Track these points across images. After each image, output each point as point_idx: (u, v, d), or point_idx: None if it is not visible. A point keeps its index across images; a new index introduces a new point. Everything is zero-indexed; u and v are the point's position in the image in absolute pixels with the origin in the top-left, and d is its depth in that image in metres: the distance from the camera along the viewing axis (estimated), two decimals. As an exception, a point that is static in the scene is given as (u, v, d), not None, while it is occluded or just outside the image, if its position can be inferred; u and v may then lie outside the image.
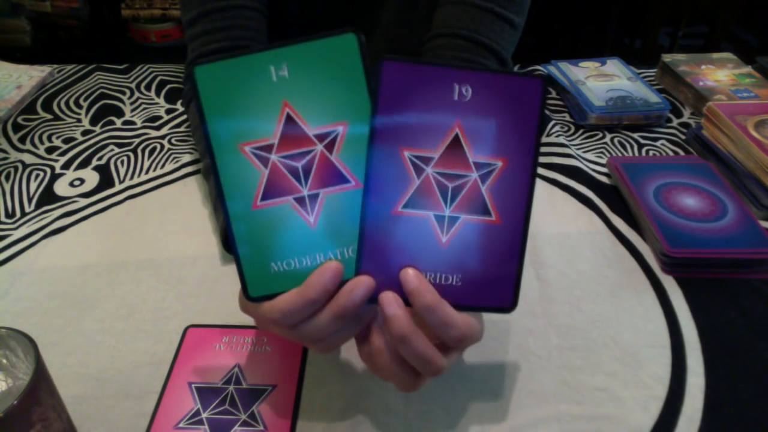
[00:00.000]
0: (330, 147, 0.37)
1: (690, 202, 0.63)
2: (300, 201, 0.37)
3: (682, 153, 0.76)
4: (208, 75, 0.36)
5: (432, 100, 0.36)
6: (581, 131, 0.81)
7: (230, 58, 0.36)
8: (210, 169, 0.60)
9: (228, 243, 0.56)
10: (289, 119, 0.36)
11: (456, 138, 0.36)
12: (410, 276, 0.36)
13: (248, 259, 0.37)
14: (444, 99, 0.36)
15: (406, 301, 0.36)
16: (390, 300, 0.36)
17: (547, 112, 0.84)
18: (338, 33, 0.36)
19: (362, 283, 0.36)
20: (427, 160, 0.36)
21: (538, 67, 0.96)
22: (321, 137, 0.37)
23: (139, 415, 0.44)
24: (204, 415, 0.44)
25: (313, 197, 0.37)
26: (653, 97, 0.82)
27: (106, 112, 0.84)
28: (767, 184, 0.65)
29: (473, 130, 0.36)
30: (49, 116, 0.84)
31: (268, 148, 0.37)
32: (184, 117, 0.83)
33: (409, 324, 0.36)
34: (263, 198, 0.37)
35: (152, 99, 0.88)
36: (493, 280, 0.38)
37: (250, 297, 0.38)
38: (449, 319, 0.36)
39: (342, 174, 0.37)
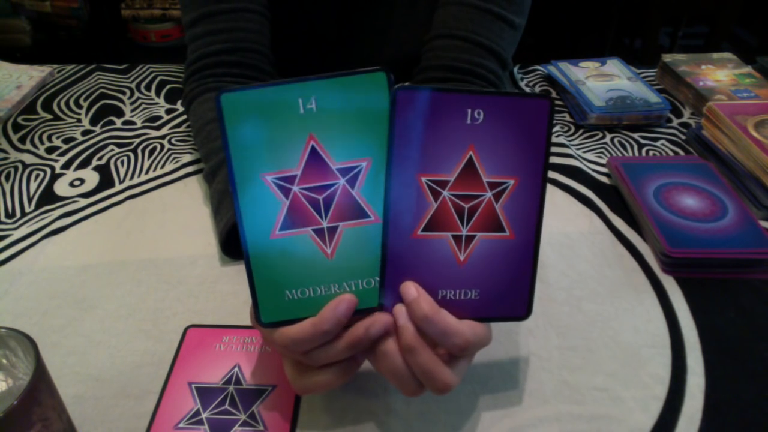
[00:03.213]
0: (352, 182, 0.37)
1: (690, 202, 0.63)
2: (319, 233, 0.37)
3: (682, 153, 0.76)
4: (234, 102, 0.36)
5: (446, 126, 0.36)
6: (581, 131, 0.81)
7: (258, 87, 0.36)
8: (211, 173, 0.61)
9: (226, 247, 0.56)
10: (314, 152, 0.37)
11: (470, 160, 0.37)
12: (409, 288, 0.37)
13: (263, 285, 0.37)
14: (458, 123, 0.37)
15: None
16: (402, 312, 0.37)
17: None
18: (369, 70, 0.36)
19: (380, 321, 0.37)
20: (443, 184, 0.37)
21: (538, 67, 0.97)
22: (344, 172, 0.37)
23: (139, 415, 0.44)
24: (204, 415, 0.44)
25: (332, 229, 0.37)
26: (653, 97, 0.82)
27: (106, 112, 0.84)
28: (767, 184, 0.65)
29: (486, 151, 0.37)
30: (49, 116, 0.84)
31: (291, 179, 0.37)
32: (184, 117, 0.83)
33: (417, 337, 0.36)
34: (282, 228, 0.37)
35: (152, 99, 0.88)
36: (508, 291, 0.39)
37: (262, 323, 0.38)
38: (448, 327, 0.36)
39: (362, 209, 0.37)
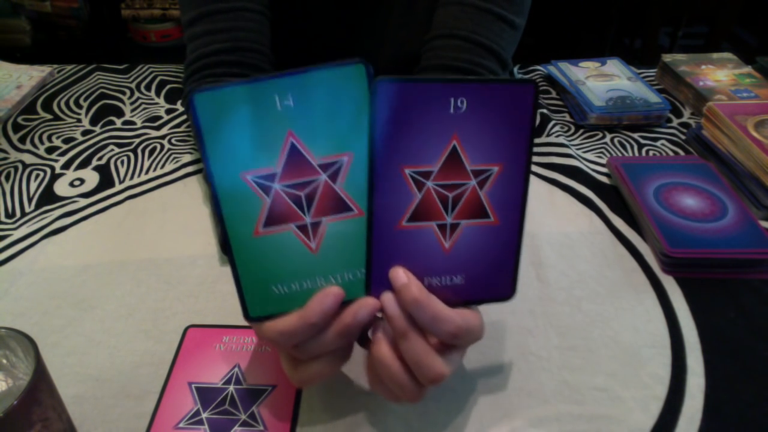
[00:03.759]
0: (334, 177, 0.36)
1: (690, 202, 0.63)
2: (302, 228, 0.37)
3: (682, 153, 0.76)
4: (209, 102, 0.34)
5: (429, 116, 0.36)
6: (581, 131, 0.81)
7: (232, 85, 0.35)
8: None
9: (226, 247, 0.56)
10: (294, 149, 0.36)
11: (453, 149, 0.37)
12: (398, 273, 0.37)
13: (249, 282, 0.37)
14: (441, 113, 0.36)
15: None
16: (391, 299, 0.37)
17: (546, 111, 0.84)
18: (346, 63, 0.35)
19: (367, 305, 0.37)
20: (427, 175, 0.37)
21: (538, 67, 0.96)
22: (325, 167, 0.36)
23: (139, 415, 0.44)
24: (204, 415, 0.44)
25: (316, 224, 0.37)
26: (653, 97, 0.82)
27: (106, 112, 0.84)
28: (767, 184, 0.65)
29: (470, 139, 0.37)
30: (49, 116, 0.84)
31: (271, 177, 0.36)
32: (184, 117, 0.83)
33: (409, 322, 0.36)
34: (265, 225, 0.37)
35: (152, 99, 0.88)
36: (493, 273, 0.39)
37: (250, 317, 0.38)
38: (439, 313, 0.36)
39: (346, 203, 0.37)
